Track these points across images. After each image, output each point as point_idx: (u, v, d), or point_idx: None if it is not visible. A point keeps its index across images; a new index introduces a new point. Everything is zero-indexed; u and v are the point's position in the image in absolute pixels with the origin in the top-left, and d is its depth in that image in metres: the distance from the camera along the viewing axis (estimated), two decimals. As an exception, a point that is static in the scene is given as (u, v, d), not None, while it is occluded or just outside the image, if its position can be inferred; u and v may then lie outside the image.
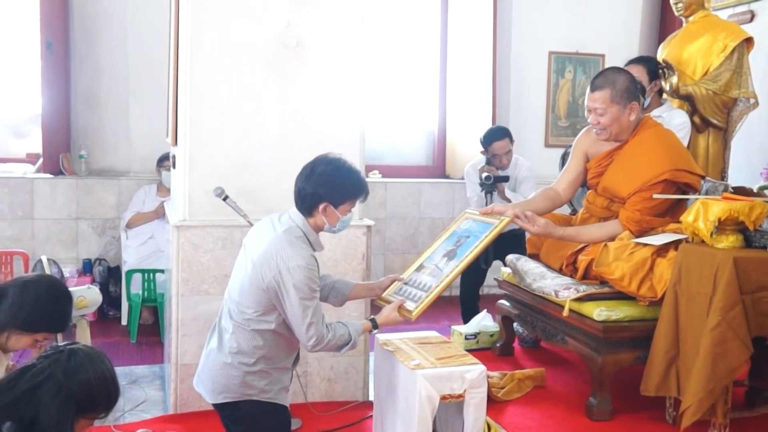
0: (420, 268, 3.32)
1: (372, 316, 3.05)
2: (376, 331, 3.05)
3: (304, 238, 2.88)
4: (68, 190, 5.77)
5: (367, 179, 3.11)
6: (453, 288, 6.00)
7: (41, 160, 5.85)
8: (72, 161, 5.85)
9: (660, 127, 3.85)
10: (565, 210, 4.68)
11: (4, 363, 2.57)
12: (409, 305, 3.06)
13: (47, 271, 3.82)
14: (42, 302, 2.58)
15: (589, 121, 3.78)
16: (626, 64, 4.35)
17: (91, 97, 5.88)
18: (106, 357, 2.11)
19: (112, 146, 5.95)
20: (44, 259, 4.02)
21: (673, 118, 4.28)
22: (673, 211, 3.72)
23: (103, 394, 2.05)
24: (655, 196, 3.57)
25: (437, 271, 3.20)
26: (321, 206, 2.87)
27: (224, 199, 3.58)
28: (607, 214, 3.84)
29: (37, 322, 2.58)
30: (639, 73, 4.23)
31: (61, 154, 5.81)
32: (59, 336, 3.04)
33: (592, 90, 3.72)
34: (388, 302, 3.16)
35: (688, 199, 3.65)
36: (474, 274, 5.13)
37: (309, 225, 2.91)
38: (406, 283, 3.26)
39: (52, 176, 5.78)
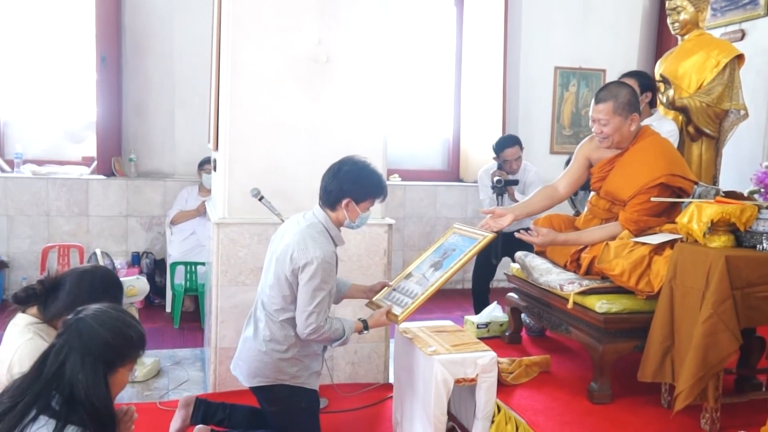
0: (408, 276, 3.28)
1: (363, 318, 3.02)
2: (366, 331, 3.01)
3: (325, 232, 2.88)
4: (119, 190, 5.81)
5: (388, 182, 3.10)
6: (466, 281, 6.00)
7: (95, 162, 5.90)
8: (123, 164, 5.90)
9: (657, 136, 3.81)
10: (570, 212, 4.64)
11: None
12: (396, 310, 3.04)
13: (100, 263, 3.86)
14: (96, 291, 2.57)
15: (593, 130, 3.75)
16: (620, 78, 4.30)
17: (141, 106, 5.93)
18: (113, 308, 2.05)
19: (158, 151, 6.00)
20: (98, 251, 4.06)
21: (663, 127, 4.22)
22: (669, 213, 3.68)
23: (124, 343, 2.00)
24: (652, 199, 3.55)
25: (423, 280, 3.15)
26: (344, 202, 2.86)
27: (260, 199, 3.60)
28: (608, 215, 3.81)
29: (91, 309, 2.58)
30: (631, 85, 4.19)
31: (113, 157, 5.86)
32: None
33: (597, 102, 3.69)
34: (378, 306, 3.15)
35: (682, 202, 3.62)
36: (485, 268, 5.12)
37: (331, 220, 2.90)
38: (395, 289, 3.22)
39: (104, 177, 5.83)
